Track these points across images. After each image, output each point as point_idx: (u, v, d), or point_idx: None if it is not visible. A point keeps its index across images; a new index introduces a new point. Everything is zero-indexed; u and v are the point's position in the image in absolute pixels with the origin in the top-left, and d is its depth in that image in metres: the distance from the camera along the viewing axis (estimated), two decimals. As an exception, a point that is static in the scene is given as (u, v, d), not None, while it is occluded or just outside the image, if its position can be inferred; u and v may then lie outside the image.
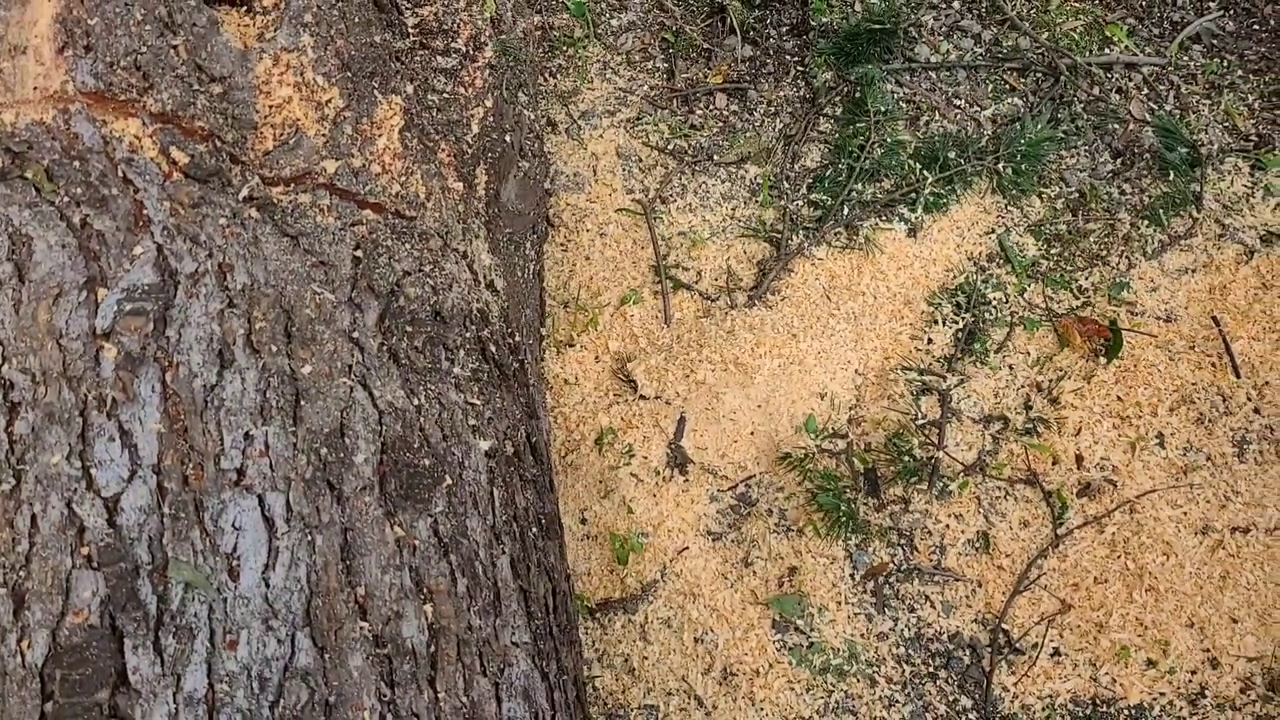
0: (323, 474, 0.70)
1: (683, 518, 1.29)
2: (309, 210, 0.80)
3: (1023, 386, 1.38)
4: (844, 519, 1.26)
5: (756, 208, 1.49)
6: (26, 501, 0.61)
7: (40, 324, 0.64)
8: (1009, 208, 1.52)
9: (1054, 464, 1.36)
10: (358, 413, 0.75)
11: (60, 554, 0.60)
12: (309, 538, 0.68)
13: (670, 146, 1.56)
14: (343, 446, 0.73)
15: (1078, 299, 1.48)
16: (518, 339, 1.07)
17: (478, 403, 0.87)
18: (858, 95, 1.56)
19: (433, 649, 0.71)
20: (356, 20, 0.89)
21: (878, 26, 1.52)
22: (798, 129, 1.57)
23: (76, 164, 0.68)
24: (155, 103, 0.71)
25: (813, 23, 1.76)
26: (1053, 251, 1.56)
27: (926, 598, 1.32)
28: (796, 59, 1.66)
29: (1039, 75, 1.67)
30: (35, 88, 0.68)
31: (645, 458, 1.29)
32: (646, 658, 1.23)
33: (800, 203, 1.49)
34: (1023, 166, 1.54)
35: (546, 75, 1.68)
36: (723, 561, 1.28)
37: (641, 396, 1.32)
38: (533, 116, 1.34)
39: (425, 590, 0.73)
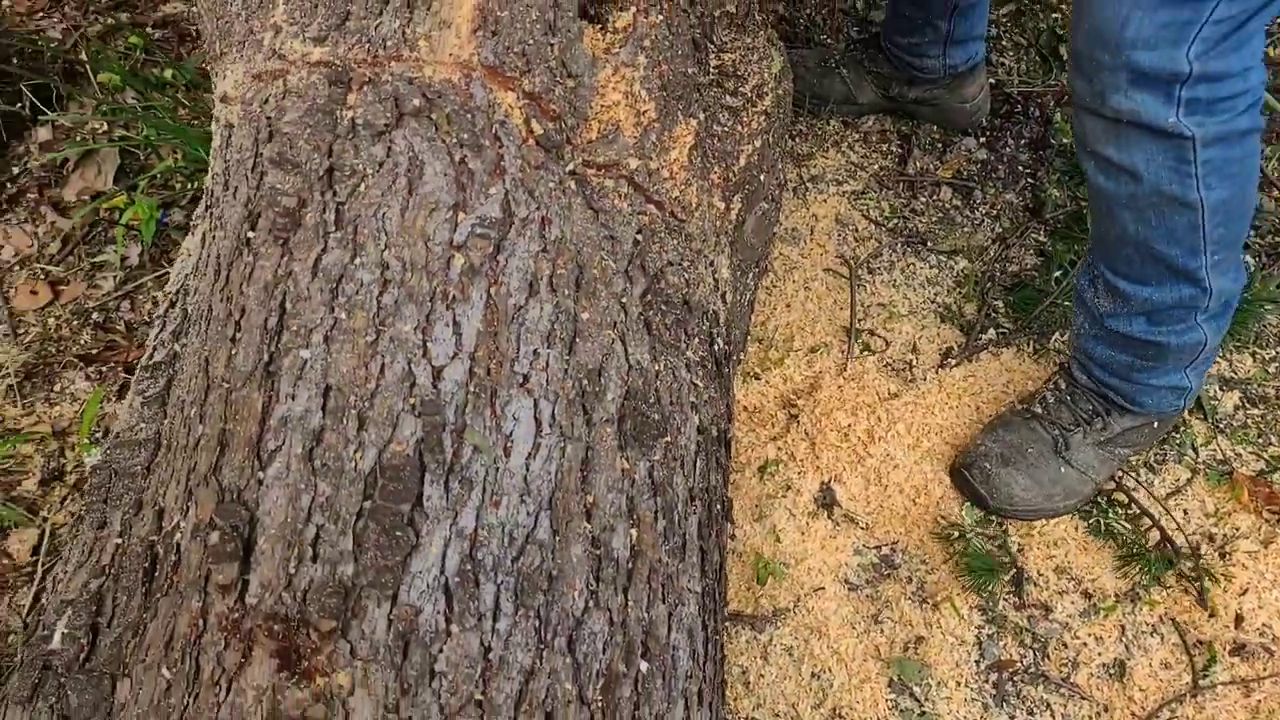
0: (580, 399, 0.88)
1: (825, 560, 1.40)
2: (610, 193, 1.00)
3: (1195, 533, 1.42)
4: (984, 592, 1.34)
5: (958, 298, 1.61)
6: (380, 354, 0.81)
7: (417, 228, 0.86)
8: (1222, 356, 1.57)
9: (1211, 616, 1.39)
10: (614, 361, 0.93)
11: (396, 397, 0.80)
12: (562, 444, 0.85)
13: (888, 223, 1.71)
14: (598, 383, 0.91)
15: (1269, 466, 1.51)
16: (730, 349, 1.24)
17: (699, 384, 1.03)
18: (1080, 215, 1.67)
19: (631, 564, 0.87)
20: (679, 52, 1.09)
21: None
22: (1015, 234, 1.68)
23: (467, 117, 0.90)
24: (529, 83, 0.93)
25: (1052, 141, 1.87)
26: (1253, 412, 1.59)
27: (1048, 705, 1.37)
28: (1029, 171, 1.79)
29: (1276, 238, 1.72)
30: (450, 54, 0.91)
31: (800, 494, 1.42)
32: (763, 676, 1.35)
33: (1000, 303, 1.59)
34: (1239, 320, 1.58)
35: (789, 137, 1.87)
36: (854, 611, 1.38)
37: (808, 439, 1.46)
38: (781, 166, 1.52)
39: (635, 516, 0.89)
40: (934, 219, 1.71)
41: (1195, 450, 1.49)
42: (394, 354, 0.81)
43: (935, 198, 1.74)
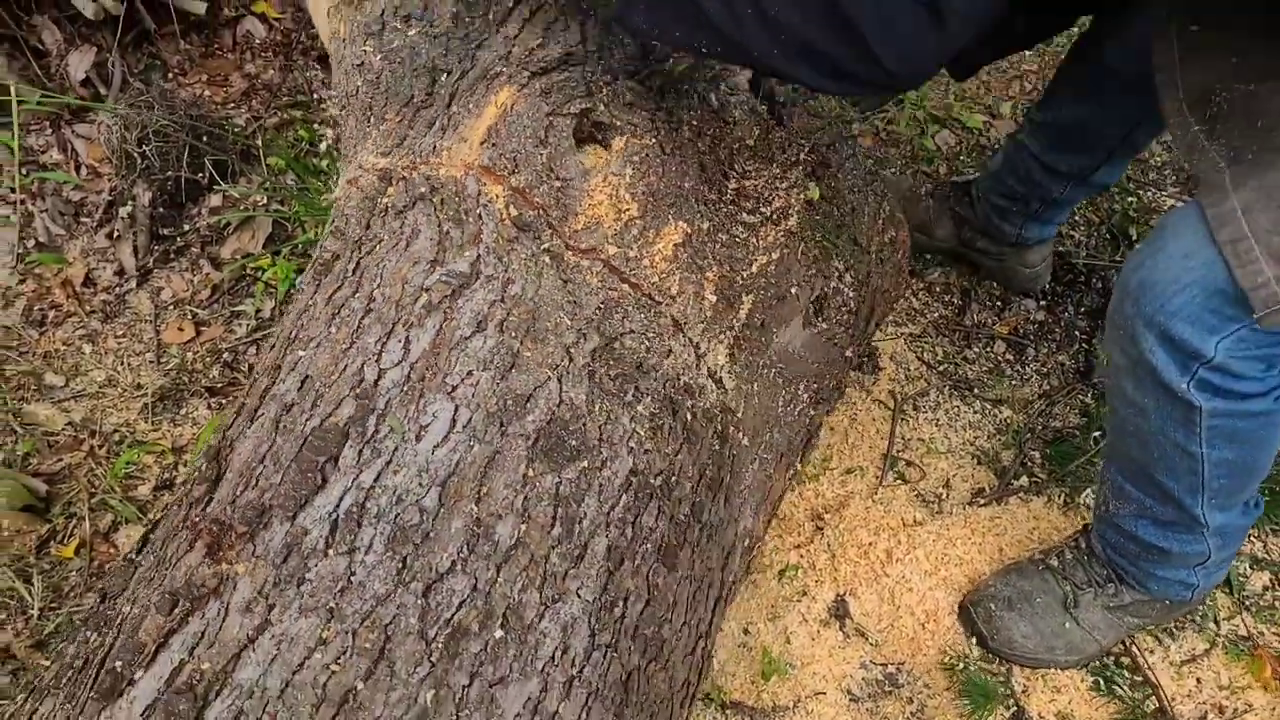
0: (500, 413, 1.10)
1: (830, 668, 1.42)
2: (585, 270, 1.24)
3: (1205, 703, 1.31)
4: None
5: (997, 444, 1.60)
6: (347, 357, 1.11)
7: (401, 274, 1.16)
8: (1256, 536, 1.46)
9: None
10: (544, 393, 1.14)
11: (345, 386, 1.08)
12: (471, 442, 1.07)
13: (939, 367, 1.75)
14: (523, 406, 1.12)
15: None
16: (742, 439, 1.38)
17: (642, 434, 1.20)
18: None
19: (511, 551, 1.04)
20: (675, 171, 1.34)
21: None
22: (1061, 393, 1.65)
23: (457, 200, 1.21)
24: (516, 180, 1.23)
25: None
26: (1284, 593, 1.45)
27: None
28: (1084, 336, 1.76)
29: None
30: (461, 160, 1.24)
31: (815, 601, 1.46)
32: None
33: (1037, 454, 1.56)
34: (1275, 503, 1.51)
35: (904, 287, 1.98)
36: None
37: (829, 551, 1.50)
38: (853, 295, 1.65)
39: (527, 514, 1.07)
40: (984, 368, 1.73)
41: (1217, 623, 1.39)
42: (355, 358, 1.11)
43: (989, 349, 1.77)
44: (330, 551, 0.98)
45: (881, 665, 1.40)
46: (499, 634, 1.00)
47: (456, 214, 1.21)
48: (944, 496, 1.57)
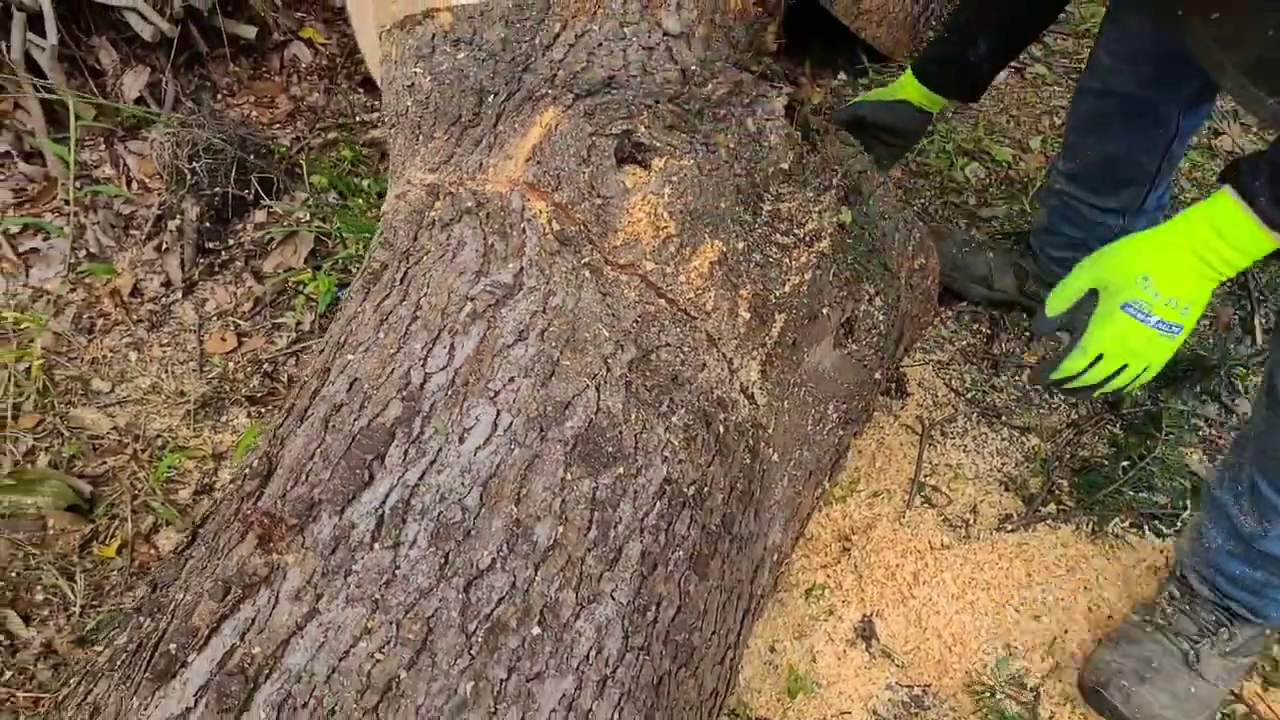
0: (540, 419, 1.14)
1: (856, 689, 1.43)
2: (623, 285, 1.29)
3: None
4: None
5: (1024, 471, 1.62)
6: (394, 361, 1.15)
7: (447, 284, 1.21)
8: None
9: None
10: (582, 400, 1.18)
11: (392, 389, 1.12)
12: (512, 446, 1.11)
13: (967, 394, 1.78)
14: (562, 413, 1.16)
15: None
16: (772, 455, 1.41)
17: (676, 444, 1.23)
18: (1156, 413, 1.62)
19: (549, 551, 1.08)
20: (712, 191, 1.38)
21: (1200, 363, 1.58)
22: (1089, 422, 1.67)
23: (502, 214, 1.26)
24: (559, 196, 1.28)
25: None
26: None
27: None
28: None
29: None
30: (506, 177, 1.29)
31: (841, 621, 1.48)
32: None
33: (1065, 482, 1.58)
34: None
35: (931, 314, 2.01)
36: None
37: (856, 572, 1.52)
38: (883, 319, 1.69)
39: (564, 516, 1.10)
40: (1012, 397, 1.76)
41: None
42: (402, 362, 1.15)
43: (1016, 378, 1.78)
44: (376, 545, 1.02)
45: (908, 687, 1.41)
46: (536, 631, 1.04)
47: (501, 228, 1.26)
48: (971, 522, 1.59)
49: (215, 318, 2.02)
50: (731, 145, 1.45)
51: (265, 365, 1.95)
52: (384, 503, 1.04)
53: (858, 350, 1.64)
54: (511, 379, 1.16)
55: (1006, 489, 1.63)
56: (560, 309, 1.23)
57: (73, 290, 2.03)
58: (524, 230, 1.26)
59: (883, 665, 1.44)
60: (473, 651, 0.99)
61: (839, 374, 1.62)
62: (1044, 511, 1.59)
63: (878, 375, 1.76)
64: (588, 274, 1.27)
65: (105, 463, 1.77)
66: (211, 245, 2.12)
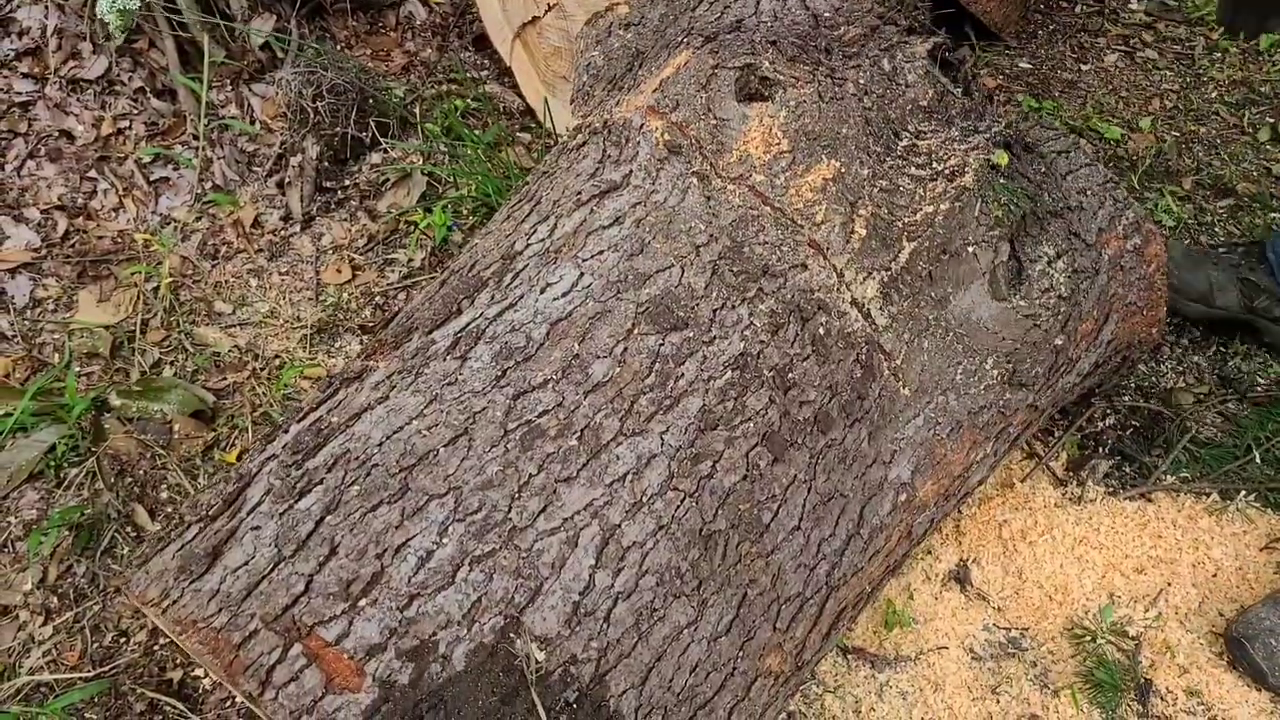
0: (619, 283, 1.26)
1: (954, 627, 1.34)
2: (729, 191, 1.39)
3: None
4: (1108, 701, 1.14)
5: (1145, 442, 1.42)
6: (515, 233, 1.35)
7: (569, 187, 1.40)
8: None
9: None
10: (664, 276, 1.28)
11: (495, 253, 1.31)
12: (585, 300, 1.24)
13: None
14: (642, 282, 1.27)
15: None
16: (899, 387, 1.40)
17: (759, 325, 1.28)
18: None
19: (601, 385, 1.17)
20: (832, 117, 1.45)
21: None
22: (1214, 400, 1.44)
23: (623, 130, 1.44)
24: (675, 116, 1.43)
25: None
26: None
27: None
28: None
29: None
30: (634, 105, 1.48)
31: (939, 561, 1.37)
32: (875, 710, 1.29)
33: (1187, 455, 1.37)
34: None
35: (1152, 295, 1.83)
36: (974, 678, 1.30)
37: (955, 521, 1.41)
38: (1065, 282, 1.60)
39: (622, 360, 1.19)
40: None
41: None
42: (511, 237, 1.34)
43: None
44: (448, 357, 1.18)
45: (1005, 629, 1.33)
46: (573, 443, 1.13)
47: (618, 140, 1.43)
48: (1082, 483, 1.48)
49: (331, 251, 2.10)
50: (861, 80, 1.52)
51: (377, 297, 2.02)
52: (464, 329, 1.22)
53: (1026, 307, 1.56)
54: (600, 251, 1.30)
55: (1125, 459, 1.49)
56: (660, 204, 1.36)
57: (198, 219, 2.13)
58: (638, 142, 1.42)
59: (980, 607, 1.36)
60: (508, 445, 1.10)
61: (1000, 328, 1.55)
62: (1165, 481, 1.47)
63: (1058, 342, 1.63)
64: (695, 180, 1.40)
65: (226, 378, 1.86)
66: (329, 184, 2.22)
